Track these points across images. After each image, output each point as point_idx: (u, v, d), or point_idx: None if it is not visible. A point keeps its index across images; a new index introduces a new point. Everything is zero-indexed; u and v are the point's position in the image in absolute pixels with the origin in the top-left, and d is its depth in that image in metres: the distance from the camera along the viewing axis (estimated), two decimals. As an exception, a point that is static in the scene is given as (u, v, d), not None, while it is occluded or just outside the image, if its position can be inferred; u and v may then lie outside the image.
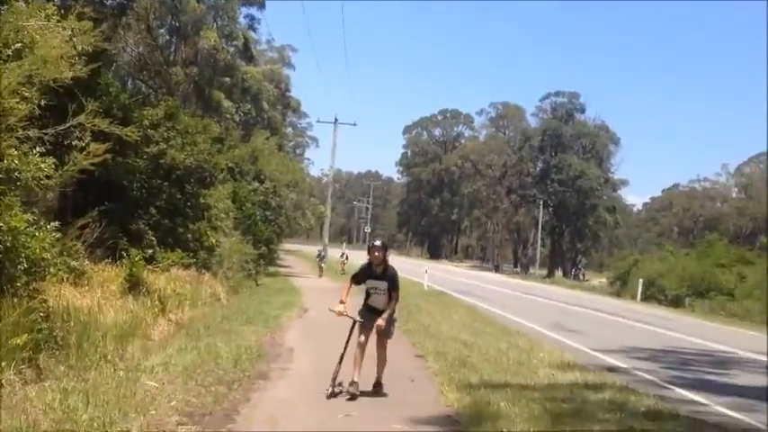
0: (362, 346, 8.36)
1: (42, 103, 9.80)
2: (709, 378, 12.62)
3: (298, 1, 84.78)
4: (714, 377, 12.84)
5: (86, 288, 11.09)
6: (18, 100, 9.11)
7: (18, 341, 7.23)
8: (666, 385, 11.23)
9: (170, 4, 33.87)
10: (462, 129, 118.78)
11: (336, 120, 48.82)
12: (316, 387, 8.24)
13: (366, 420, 7.43)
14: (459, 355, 11.85)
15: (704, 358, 15.70)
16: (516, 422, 7.34)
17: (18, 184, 8.66)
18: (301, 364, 10.48)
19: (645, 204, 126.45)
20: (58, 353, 8.25)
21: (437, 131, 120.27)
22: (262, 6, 42.01)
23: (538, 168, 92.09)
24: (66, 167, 11.02)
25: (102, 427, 6.02)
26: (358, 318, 8.45)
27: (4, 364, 6.98)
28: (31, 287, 8.48)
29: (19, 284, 8.21)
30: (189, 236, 18.36)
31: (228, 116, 36.76)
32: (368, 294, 8.60)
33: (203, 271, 18.53)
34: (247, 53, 42.15)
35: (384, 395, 8.53)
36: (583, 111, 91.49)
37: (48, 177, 9.24)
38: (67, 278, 10.45)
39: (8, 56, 9.20)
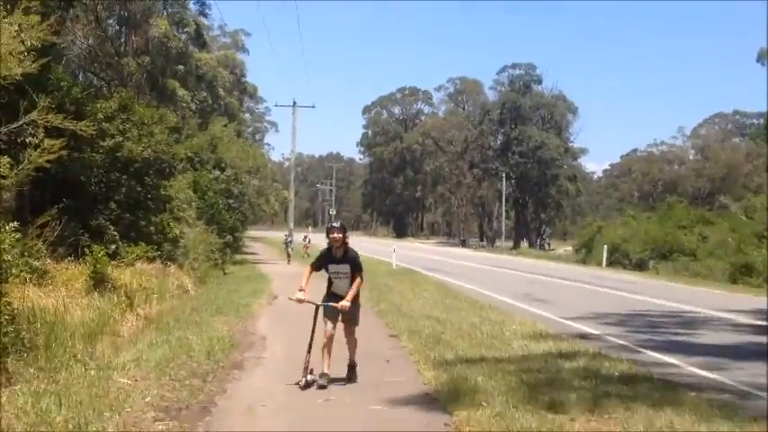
0: (330, 336, 8.12)
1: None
2: (678, 339, 12.81)
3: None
4: (683, 338, 13.03)
5: (50, 288, 10.88)
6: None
7: (-16, 346, 7.05)
8: (638, 349, 11.36)
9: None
10: (421, 106, 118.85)
11: (295, 103, 48.48)
12: (291, 374, 8.11)
13: (345, 403, 7.41)
14: (432, 333, 11.87)
15: (672, 320, 15.95)
16: (494, 395, 7.36)
17: (-28, 185, 8.44)
18: (275, 351, 10.42)
19: (605, 171, 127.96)
20: (26, 355, 8.09)
21: (396, 110, 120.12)
22: (212, -9, 41.49)
23: (498, 141, 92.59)
24: (21, 166, 10.76)
25: (78, 428, 5.90)
26: (320, 303, 8.21)
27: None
28: (-7, 291, 8.28)
29: (-20, 288, 8.01)
30: (152, 228, 18.15)
31: (184, 105, 36.32)
32: (330, 282, 8.34)
33: (169, 263, 18.33)
34: (200, 40, 41.63)
35: (355, 382, 8.34)
36: (540, 82, 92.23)
37: (3, 177, 9.02)
38: (30, 278, 10.23)
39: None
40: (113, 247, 15.27)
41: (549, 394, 7.43)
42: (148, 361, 8.82)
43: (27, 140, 11.57)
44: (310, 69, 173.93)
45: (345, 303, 8.01)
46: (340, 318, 8.19)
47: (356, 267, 8.23)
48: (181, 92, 35.84)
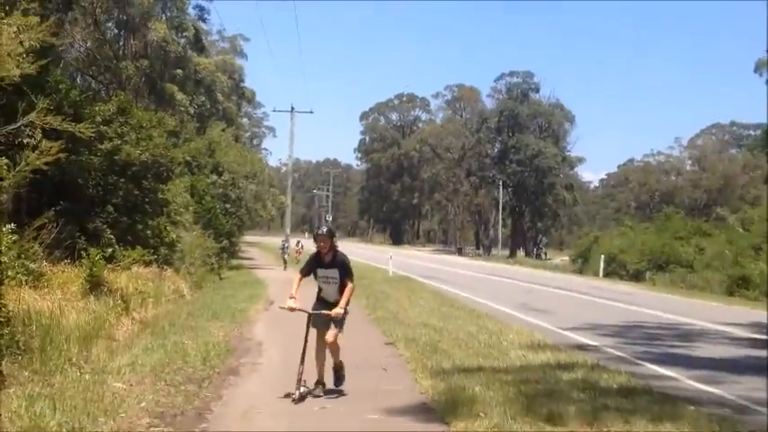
0: (321, 345, 7.98)
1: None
2: (675, 352, 12.76)
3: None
4: (681, 350, 12.98)
5: (46, 290, 10.80)
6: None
7: (-22, 349, 6.98)
8: (636, 361, 11.31)
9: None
10: (419, 113, 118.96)
11: (293, 108, 48.46)
12: (287, 381, 7.93)
13: (341, 412, 7.36)
14: (429, 341, 11.82)
15: (669, 332, 15.90)
16: (492, 406, 7.31)
17: (-30, 187, 8.38)
18: (271, 357, 10.36)
19: (601, 181, 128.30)
20: (20, 358, 8.02)
21: (394, 116, 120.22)
22: (211, -4, 41.52)
23: (496, 149, 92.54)
24: (18, 168, 10.69)
25: (72, 433, 5.84)
26: (313, 312, 7.92)
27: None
28: (-12, 292, 8.20)
29: (-24, 290, 7.94)
30: (148, 232, 18.07)
31: (183, 109, 36.23)
32: (319, 288, 8.12)
33: (165, 267, 18.25)
34: (198, 44, 41.59)
35: (343, 385, 8.19)
36: (537, 90, 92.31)
37: (0, 179, 8.95)
38: (26, 281, 10.15)
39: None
40: (110, 250, 15.18)
41: (548, 406, 7.37)
42: (144, 366, 8.76)
43: (25, 142, 11.50)
44: (308, 75, 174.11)
45: (339, 311, 7.82)
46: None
47: (346, 272, 8.02)
48: (179, 96, 35.77)
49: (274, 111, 66.35)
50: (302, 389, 7.64)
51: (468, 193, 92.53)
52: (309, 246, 8.56)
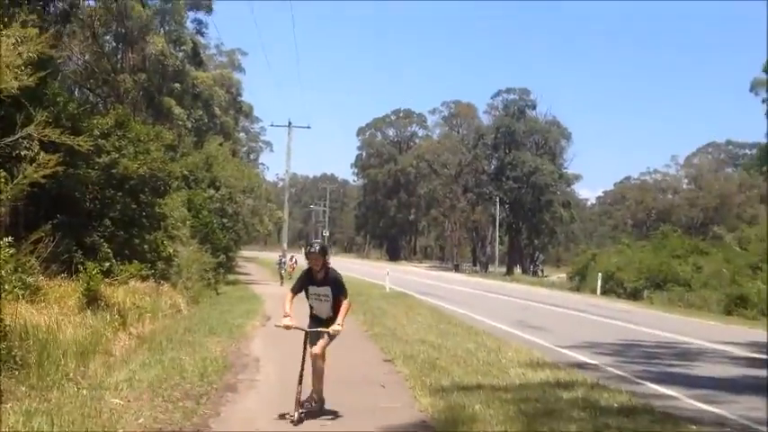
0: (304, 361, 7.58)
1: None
2: (675, 371, 12.70)
3: (246, 0, 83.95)
4: (680, 369, 12.93)
5: (43, 305, 10.72)
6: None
7: (-26, 364, 6.92)
8: (636, 380, 11.26)
9: (115, 11, 33.26)
10: (416, 128, 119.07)
11: (290, 123, 48.55)
12: (286, 398, 7.74)
13: (341, 429, 7.29)
14: (428, 358, 11.75)
15: (668, 350, 15.84)
16: (493, 424, 7.26)
17: (-33, 199, 8.33)
18: (269, 374, 10.28)
19: (598, 198, 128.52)
20: (17, 373, 7.95)
21: (391, 132, 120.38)
22: (209, 11, 41.69)
23: (493, 166, 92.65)
24: (16, 181, 10.66)
25: (69, 450, 5.77)
26: (310, 330, 7.69)
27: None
28: (-16, 307, 8.15)
29: (-28, 305, 7.88)
30: (146, 246, 18.01)
31: (180, 123, 36.31)
32: (311, 306, 7.90)
33: (162, 282, 18.17)
34: (196, 58, 41.75)
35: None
36: (534, 107, 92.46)
37: (-1, 192, 8.92)
38: (23, 295, 10.08)
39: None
40: (107, 264, 15.09)
41: (549, 425, 7.34)
42: (141, 381, 8.68)
43: (22, 154, 11.47)
44: (306, 90, 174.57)
45: (338, 328, 7.55)
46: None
47: (340, 290, 7.75)
48: (177, 110, 35.85)
49: (272, 125, 67.12)
50: (301, 410, 7.36)
51: (465, 210, 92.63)
52: (303, 262, 8.30)
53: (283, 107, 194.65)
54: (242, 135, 71.35)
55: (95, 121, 16.81)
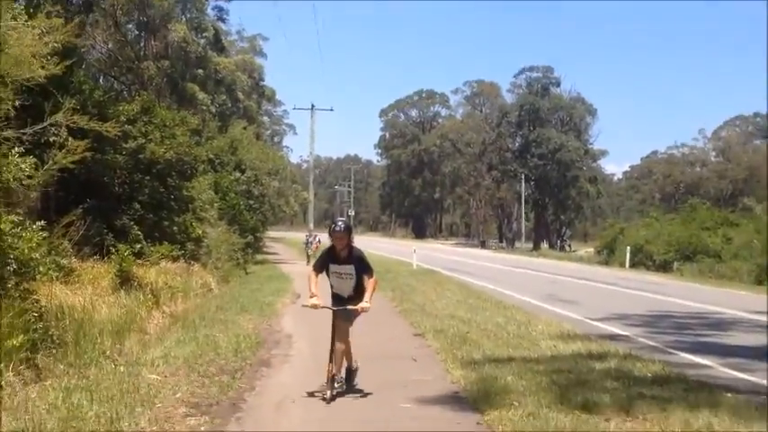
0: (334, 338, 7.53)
1: (17, 103, 9.57)
2: (708, 340, 12.62)
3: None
4: (713, 339, 12.84)
5: (77, 286, 10.91)
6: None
7: (14, 342, 7.08)
8: (668, 350, 11.20)
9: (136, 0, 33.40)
10: (439, 108, 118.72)
11: (313, 106, 48.53)
12: (319, 372, 7.79)
13: (374, 401, 7.36)
14: (458, 332, 11.76)
15: (700, 321, 15.73)
16: (525, 395, 7.26)
17: (-1, 185, 8.48)
18: (302, 349, 10.37)
19: (625, 173, 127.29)
20: (55, 352, 8.12)
21: (414, 112, 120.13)
22: (230, -2, 41.79)
23: (517, 143, 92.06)
24: (46, 167, 10.80)
25: (110, 423, 5.89)
26: (339, 308, 7.57)
27: (2, 365, 6.82)
28: (21, 288, 8.30)
29: (9, 286, 8.03)
30: (175, 228, 18.22)
31: (204, 108, 36.52)
32: (331, 284, 7.75)
33: (192, 262, 18.41)
34: (218, 44, 41.89)
35: (355, 388, 7.78)
36: (558, 84, 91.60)
37: (29, 177, 9.05)
38: (57, 277, 10.24)
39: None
40: (138, 246, 15.31)
41: (582, 395, 7.30)
42: (176, 358, 8.82)
43: (51, 140, 11.61)
44: (328, 73, 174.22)
45: (366, 305, 7.42)
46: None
47: (364, 267, 7.60)
48: (201, 95, 36.04)
49: (294, 109, 66.59)
50: (335, 386, 7.39)
51: (490, 187, 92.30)
52: (327, 241, 8.23)
53: (306, 91, 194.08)
54: (265, 119, 71.59)
55: (121, 108, 16.96)
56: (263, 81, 58.16)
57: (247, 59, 54.49)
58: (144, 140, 17.07)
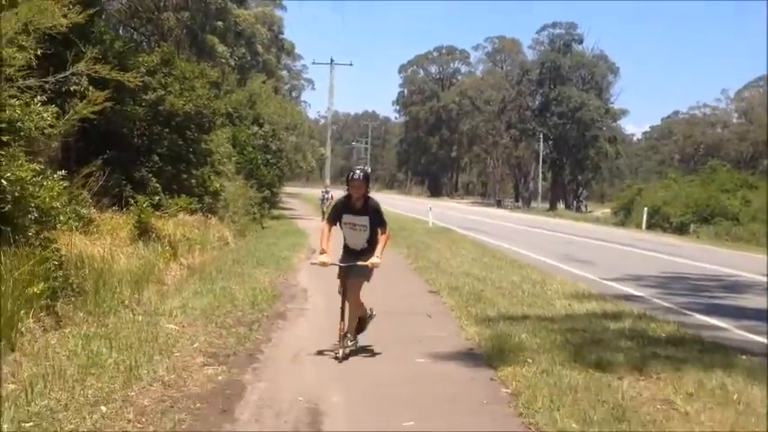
0: (345, 296, 7.38)
1: (39, 52, 9.57)
2: (723, 302, 12.62)
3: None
4: (728, 301, 12.84)
5: (96, 236, 10.99)
6: (16, 49, 8.90)
7: (35, 290, 7.17)
8: (683, 311, 11.21)
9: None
10: (459, 65, 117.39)
11: (332, 61, 48.26)
12: (334, 326, 7.62)
13: (389, 355, 7.42)
14: (473, 290, 11.80)
15: (716, 283, 15.71)
16: (539, 352, 7.31)
17: (21, 134, 8.50)
18: (317, 303, 10.46)
19: (644, 134, 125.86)
20: (75, 300, 8.22)
21: (433, 69, 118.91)
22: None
23: (537, 102, 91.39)
24: (67, 116, 10.84)
25: (129, 371, 5.99)
26: (348, 264, 7.32)
27: (23, 312, 6.93)
28: (42, 236, 8.38)
29: (30, 234, 8.12)
30: (193, 181, 18.27)
31: (223, 61, 36.35)
32: (344, 236, 7.49)
33: (209, 215, 18.50)
34: (238, -5, 41.46)
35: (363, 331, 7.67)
36: (581, 41, 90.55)
37: (51, 126, 9.08)
38: (77, 227, 10.34)
39: (2, 4, 8.95)
40: (156, 198, 15.39)
41: (596, 353, 7.34)
42: (194, 309, 8.93)
43: (72, 89, 11.63)
44: (347, 27, 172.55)
45: (376, 260, 7.19)
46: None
47: (379, 221, 7.34)
48: (220, 48, 35.89)
49: (314, 63, 66.87)
50: (348, 345, 7.31)
51: (508, 146, 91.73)
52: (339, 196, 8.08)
53: (325, 45, 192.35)
54: (284, 73, 71.13)
55: (141, 59, 16.89)
56: (283, 34, 57.80)
57: (267, 12, 54.00)
58: (163, 92, 17.03)
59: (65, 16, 10.34)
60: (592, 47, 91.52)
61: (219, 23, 36.73)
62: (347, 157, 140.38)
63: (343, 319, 7.29)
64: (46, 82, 9.91)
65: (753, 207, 36.83)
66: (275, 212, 36.58)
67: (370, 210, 7.32)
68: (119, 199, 14.17)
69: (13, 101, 8.45)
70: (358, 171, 7.39)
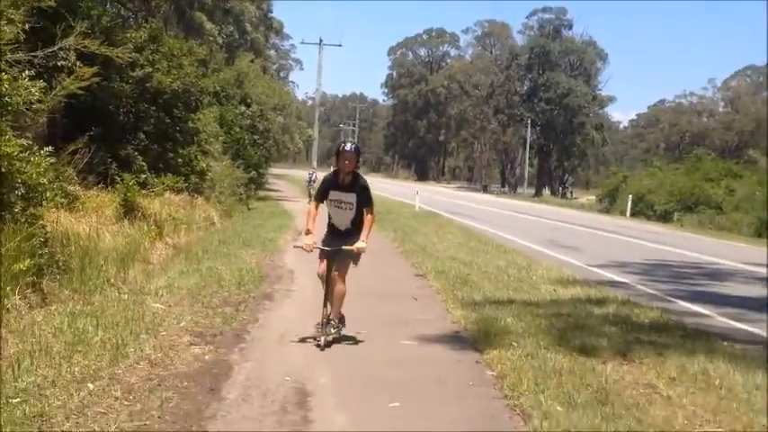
0: (324, 279, 7.11)
1: (27, 26, 9.46)
2: (706, 290, 12.75)
3: None
4: (711, 288, 12.98)
5: (81, 213, 10.92)
6: (5, 22, 8.80)
7: (21, 266, 7.14)
8: (667, 298, 11.32)
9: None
10: (448, 48, 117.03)
11: (321, 41, 48.01)
12: (320, 308, 7.41)
13: (376, 337, 7.44)
14: (459, 274, 11.84)
15: (699, 271, 15.87)
16: (524, 336, 7.36)
17: (8, 109, 8.41)
18: (304, 285, 10.43)
19: (631, 121, 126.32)
20: (60, 277, 8.19)
21: (422, 51, 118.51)
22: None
23: (525, 87, 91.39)
24: (54, 92, 10.73)
25: (115, 349, 5.98)
26: (333, 248, 7.00)
27: (9, 288, 6.90)
28: (28, 213, 8.33)
29: (16, 210, 8.06)
30: (179, 160, 18.15)
31: (211, 38, 35.94)
32: (329, 215, 7.20)
33: (196, 195, 18.41)
34: (226, -29, 40.99)
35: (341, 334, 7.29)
36: (570, 27, 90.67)
37: (39, 101, 9.00)
38: (62, 204, 10.28)
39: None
40: (143, 176, 15.29)
41: (580, 338, 7.41)
42: (180, 288, 8.91)
43: (59, 65, 11.52)
44: (337, 7, 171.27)
45: (362, 245, 6.93)
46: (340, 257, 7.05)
47: (366, 200, 7.04)
48: (208, 25, 35.47)
49: (302, 43, 66.29)
50: (330, 332, 7.04)
51: (496, 131, 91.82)
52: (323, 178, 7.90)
53: (314, 25, 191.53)
54: (272, 53, 70.74)
55: (129, 35, 16.72)
56: (272, 13, 57.41)
57: (255, -12, 53.54)
58: (151, 69, 16.86)
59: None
60: (581, 33, 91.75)
61: (208, 0, 36.34)
62: (334, 139, 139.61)
63: (325, 305, 7.04)
64: (35, 56, 9.82)
65: (736, 196, 37.15)
66: (261, 193, 36.48)
67: (358, 187, 7.04)
68: (104, 177, 14.06)
69: (1, 75, 8.35)
70: (349, 143, 7.17)
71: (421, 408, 5.32)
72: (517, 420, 5.10)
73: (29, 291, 7.37)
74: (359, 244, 6.95)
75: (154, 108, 16.92)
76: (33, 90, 8.71)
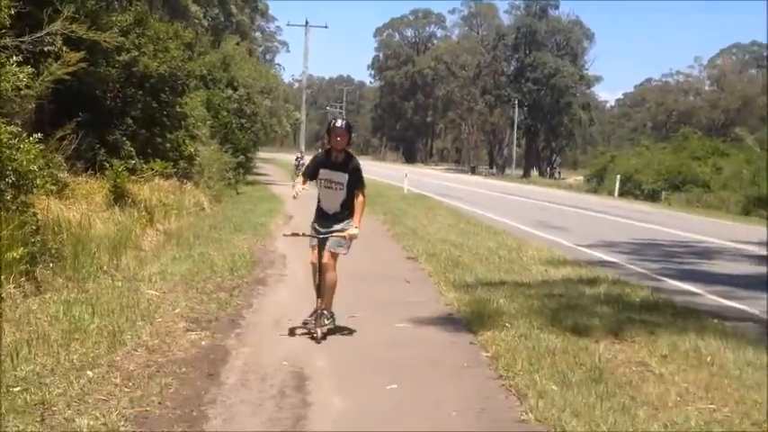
0: (316, 267, 6.86)
1: (13, 11, 9.37)
2: (695, 268, 12.87)
3: None
4: (700, 267, 13.11)
5: (71, 201, 10.85)
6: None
7: (14, 255, 7.10)
8: (657, 277, 11.42)
9: None
10: (434, 29, 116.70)
11: (307, 23, 47.72)
12: (313, 293, 7.23)
13: (370, 320, 7.49)
14: (450, 256, 11.91)
15: (687, 249, 16.00)
16: (517, 317, 7.44)
17: (-3, 95, 8.36)
18: (296, 270, 10.43)
19: (618, 101, 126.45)
20: (53, 265, 8.15)
21: (409, 32, 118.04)
22: None
23: (512, 67, 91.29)
24: (42, 77, 10.65)
25: (112, 336, 6.00)
26: (324, 235, 6.71)
27: (3, 277, 6.88)
28: (19, 200, 8.27)
29: (7, 198, 8.00)
30: (168, 145, 18.03)
31: (196, 21, 35.68)
32: (319, 197, 6.90)
33: (185, 181, 18.32)
34: (210, -48, 40.66)
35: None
36: (557, 7, 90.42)
37: (27, 87, 8.94)
38: (53, 191, 10.22)
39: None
40: (132, 162, 15.21)
41: (572, 318, 7.50)
42: (173, 274, 8.93)
43: (46, 50, 11.42)
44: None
45: (354, 231, 6.70)
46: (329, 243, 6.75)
47: (358, 182, 6.76)
48: (193, 8, 35.24)
49: (288, 25, 65.96)
50: (325, 323, 6.79)
51: (483, 112, 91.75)
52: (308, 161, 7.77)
53: (300, 6, 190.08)
54: (258, 35, 70.25)
55: (114, 18, 16.56)
56: (258, -6, 56.93)
57: (241, -32, 53.10)
58: (137, 53, 16.68)
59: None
60: (568, 12, 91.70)
61: (192, -18, 36.05)
62: (321, 122, 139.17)
63: (319, 296, 6.79)
64: (22, 42, 9.72)
65: (723, 174, 37.38)
66: (250, 178, 36.40)
67: (350, 167, 6.76)
68: (92, 163, 13.95)
69: (-12, 61, 8.30)
70: (340, 120, 6.96)
71: (418, 390, 5.37)
72: (513, 400, 5.17)
73: (23, 279, 7.34)
74: (351, 230, 6.71)
75: (141, 92, 16.77)
76: (21, 76, 8.65)
